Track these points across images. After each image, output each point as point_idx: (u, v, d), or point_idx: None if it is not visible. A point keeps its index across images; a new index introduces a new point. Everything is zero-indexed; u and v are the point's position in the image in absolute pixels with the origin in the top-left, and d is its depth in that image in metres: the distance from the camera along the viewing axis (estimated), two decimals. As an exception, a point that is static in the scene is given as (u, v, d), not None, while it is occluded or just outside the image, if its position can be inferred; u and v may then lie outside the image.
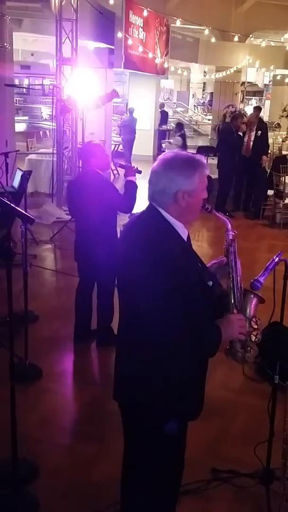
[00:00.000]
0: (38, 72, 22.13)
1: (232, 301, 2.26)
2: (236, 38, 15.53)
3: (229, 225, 2.33)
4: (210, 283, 2.29)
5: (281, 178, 9.32)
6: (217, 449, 3.63)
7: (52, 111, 10.91)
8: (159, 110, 18.21)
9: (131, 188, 4.60)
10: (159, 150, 17.01)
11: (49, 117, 17.83)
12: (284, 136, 15.87)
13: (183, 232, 2.17)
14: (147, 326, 2.06)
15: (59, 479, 3.30)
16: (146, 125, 16.94)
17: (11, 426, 2.97)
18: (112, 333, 4.71)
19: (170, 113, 22.15)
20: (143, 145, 16.54)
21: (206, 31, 14.32)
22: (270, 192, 9.90)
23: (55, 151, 9.67)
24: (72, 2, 8.94)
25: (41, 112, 22.49)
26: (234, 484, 3.26)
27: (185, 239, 2.19)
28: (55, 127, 9.71)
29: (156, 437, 2.27)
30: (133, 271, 2.06)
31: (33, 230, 7.66)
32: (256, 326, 2.25)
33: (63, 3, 8.78)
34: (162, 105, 19.24)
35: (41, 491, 3.15)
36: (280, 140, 15.03)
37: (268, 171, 10.39)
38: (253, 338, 2.25)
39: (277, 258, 2.57)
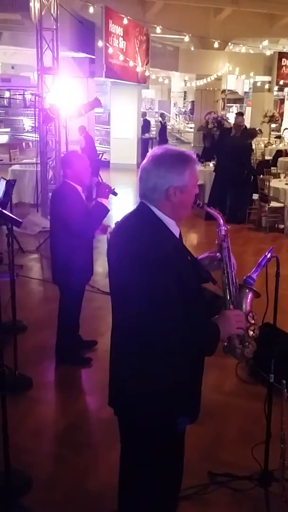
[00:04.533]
0: (19, 85, 22.12)
1: (228, 297, 2.23)
2: (216, 45, 15.63)
3: (221, 221, 2.30)
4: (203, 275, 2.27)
5: (265, 182, 9.36)
6: (213, 453, 3.58)
7: (35, 122, 10.89)
8: (142, 118, 18.25)
9: (98, 211, 4.16)
10: (143, 158, 17.00)
11: (32, 129, 17.80)
12: (266, 142, 16.00)
13: (175, 229, 2.14)
14: (143, 327, 2.01)
15: (53, 490, 3.23)
16: (129, 134, 16.98)
17: (3, 437, 2.90)
18: (73, 352, 4.65)
19: (152, 122, 22.22)
20: (127, 154, 16.56)
21: (186, 38, 14.42)
22: (255, 196, 9.93)
23: (38, 161, 9.62)
24: (52, 12, 8.93)
25: (23, 124, 22.44)
26: (232, 487, 3.20)
27: (177, 236, 2.16)
28: (38, 138, 9.67)
29: (154, 442, 2.22)
30: (126, 271, 2.02)
31: (18, 240, 7.59)
32: (253, 321, 2.22)
33: (43, 13, 8.77)
34: (144, 114, 19.29)
35: (35, 503, 3.07)
36: (263, 145, 15.13)
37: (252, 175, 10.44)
38: (251, 333, 2.22)
39: (269, 254, 2.54)
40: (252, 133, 10.46)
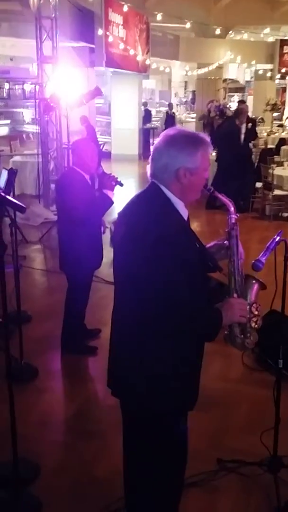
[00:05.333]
0: (18, 76, 21.96)
1: (233, 285, 2.20)
2: (218, 31, 15.45)
3: (232, 208, 2.27)
4: (211, 265, 2.23)
5: (269, 170, 9.30)
6: (221, 440, 3.56)
7: (35, 114, 10.84)
8: (143, 108, 18.14)
9: (102, 203, 4.13)
10: (146, 149, 16.94)
11: (32, 121, 17.69)
12: (268, 130, 15.89)
13: (183, 211, 2.12)
14: (146, 308, 1.99)
15: (61, 478, 3.21)
16: (130, 124, 16.88)
17: (11, 425, 2.88)
18: (79, 341, 4.64)
19: (154, 112, 22.08)
20: (128, 144, 16.48)
21: (188, 25, 14.25)
22: (258, 185, 9.86)
23: (40, 152, 9.57)
24: (51, 0, 8.84)
25: (23, 116, 22.32)
26: (241, 474, 3.18)
27: (186, 218, 2.13)
28: (39, 128, 9.61)
29: (157, 428, 2.20)
30: (131, 247, 2.00)
31: (21, 231, 7.56)
32: (256, 312, 2.19)
33: (41, 1, 8.69)
34: (145, 104, 19.17)
35: (43, 491, 3.06)
36: (265, 134, 15.01)
37: (256, 163, 10.37)
38: (253, 324, 2.19)
39: (278, 238, 2.51)
40: (238, 113, 10.25)
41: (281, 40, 19.44)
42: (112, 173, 4.30)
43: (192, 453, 2.48)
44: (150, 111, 18.52)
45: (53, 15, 8.92)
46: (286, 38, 19.75)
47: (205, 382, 2.34)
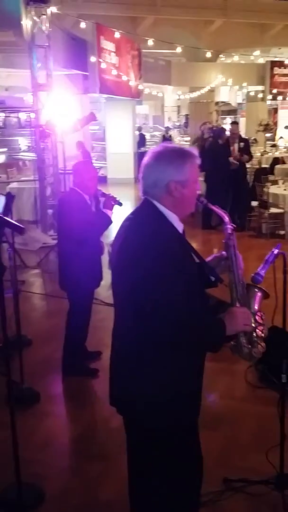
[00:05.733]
0: (13, 106, 22.19)
1: (234, 294, 2.20)
2: (208, 54, 15.68)
3: (226, 219, 2.28)
4: (213, 278, 2.24)
5: (264, 189, 9.36)
6: (227, 458, 3.51)
7: (31, 141, 10.94)
8: (137, 133, 18.33)
9: (101, 221, 4.21)
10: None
11: (28, 148, 17.86)
12: (262, 150, 16.03)
13: (178, 224, 2.13)
14: (147, 322, 1.98)
15: (66, 502, 3.17)
16: (125, 148, 17.04)
17: (13, 449, 2.85)
18: (80, 363, 4.62)
19: (148, 137, 22.30)
20: (123, 168, 16.61)
21: (179, 49, 14.48)
22: (254, 204, 9.92)
23: (36, 178, 9.64)
24: (44, 29, 9.00)
25: (19, 144, 22.51)
26: (248, 493, 3.14)
27: (181, 231, 2.14)
28: (35, 156, 9.70)
29: (161, 444, 2.17)
30: (129, 263, 2.01)
31: (20, 255, 7.59)
32: (261, 321, 2.18)
33: (35, 30, 8.84)
34: (139, 129, 19.38)
35: (48, 516, 3.02)
36: (259, 154, 15.15)
37: (251, 183, 10.45)
38: (259, 333, 2.18)
39: (276, 251, 2.52)
40: (219, 134, 10.37)
41: (272, 62, 19.73)
42: (111, 194, 4.37)
43: (198, 473, 2.44)
44: (144, 135, 18.71)
45: (47, 44, 9.07)
46: (276, 59, 20.06)
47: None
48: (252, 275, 2.36)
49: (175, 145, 2.22)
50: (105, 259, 4.78)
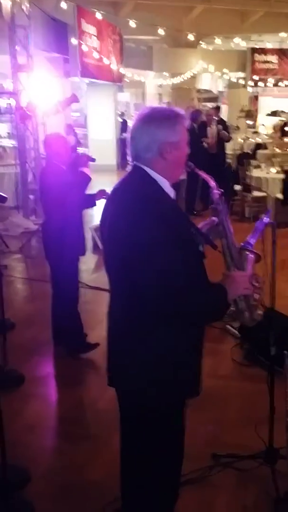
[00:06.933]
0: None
1: (230, 259, 2.15)
2: (190, 37, 15.50)
3: (212, 183, 2.21)
4: (201, 248, 2.17)
5: (247, 172, 9.34)
6: (215, 436, 3.49)
7: (11, 127, 10.71)
8: (120, 119, 18.17)
9: (80, 180, 4.30)
10: (123, 158, 16.95)
11: (7, 135, 17.61)
12: (244, 137, 15.99)
13: (169, 190, 2.06)
14: (145, 292, 1.90)
15: (52, 482, 3.11)
16: (107, 135, 16.89)
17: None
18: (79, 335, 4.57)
19: (130, 123, 22.20)
20: (106, 154, 16.44)
21: (161, 31, 14.28)
22: (237, 187, 9.90)
23: (18, 162, 9.49)
24: (25, 9, 8.82)
25: (-1, 131, 22.18)
26: (237, 468, 3.11)
27: (173, 197, 2.07)
28: (16, 138, 9.53)
29: (157, 421, 2.12)
30: (124, 232, 1.92)
31: (3, 239, 7.52)
32: (257, 284, 2.13)
33: (15, 10, 8.65)
34: (122, 114, 19.22)
35: (35, 496, 2.96)
36: (242, 141, 15.10)
37: (233, 167, 10.41)
38: (257, 296, 2.14)
39: (266, 218, 2.47)
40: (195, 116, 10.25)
41: (252, 49, 19.70)
42: (83, 152, 4.49)
43: (186, 450, 2.39)
44: (126, 121, 18.54)
45: (27, 24, 8.89)
46: (257, 46, 20.02)
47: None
48: (242, 244, 2.30)
49: (162, 105, 2.14)
50: (89, 244, 4.74)
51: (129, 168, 2.14)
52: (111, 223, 2.01)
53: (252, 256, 2.19)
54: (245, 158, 10.33)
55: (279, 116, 18.68)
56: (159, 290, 1.88)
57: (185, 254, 1.94)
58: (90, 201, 4.41)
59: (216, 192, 2.19)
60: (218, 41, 16.60)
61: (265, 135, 16.85)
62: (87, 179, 4.33)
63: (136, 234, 1.88)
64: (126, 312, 2.04)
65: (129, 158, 2.11)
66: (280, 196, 9.01)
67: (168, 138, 1.98)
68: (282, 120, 17.08)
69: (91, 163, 4.55)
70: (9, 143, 13.52)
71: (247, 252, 2.19)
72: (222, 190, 2.22)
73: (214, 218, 2.21)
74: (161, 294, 1.88)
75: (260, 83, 19.93)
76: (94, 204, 4.45)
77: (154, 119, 1.99)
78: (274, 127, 16.18)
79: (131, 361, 2.06)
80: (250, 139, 15.50)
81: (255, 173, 9.56)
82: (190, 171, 2.21)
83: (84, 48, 11.87)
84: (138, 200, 1.94)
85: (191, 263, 1.98)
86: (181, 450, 2.34)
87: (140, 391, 2.08)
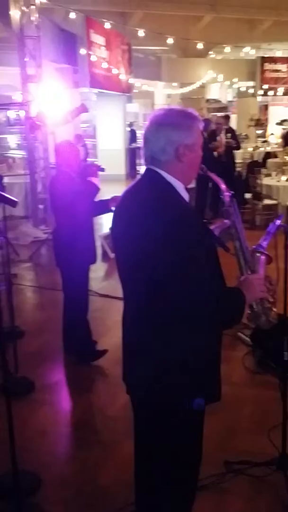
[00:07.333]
0: (1, 103, 22.04)
1: (244, 262, 2.12)
2: (200, 46, 15.54)
3: (223, 186, 2.19)
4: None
5: (257, 180, 9.32)
6: (228, 443, 3.45)
7: (21, 138, 10.79)
8: (129, 129, 18.24)
9: (88, 189, 4.26)
10: (132, 168, 17.03)
11: (17, 146, 17.74)
12: (254, 146, 15.99)
13: (184, 194, 2.01)
14: (165, 295, 1.85)
15: (64, 488, 3.09)
16: (116, 145, 16.96)
17: (9, 434, 2.75)
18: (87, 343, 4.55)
19: (139, 134, 22.27)
20: (115, 164, 16.50)
21: (170, 40, 14.34)
22: (248, 196, 9.87)
23: (27, 172, 9.55)
24: (34, 20, 8.90)
25: (8, 142, 22.38)
26: (250, 475, 3.07)
27: (187, 201, 2.04)
28: (26, 149, 9.60)
29: (178, 426, 2.07)
30: (143, 240, 1.85)
31: (13, 247, 7.55)
32: (270, 286, 2.10)
33: (24, 22, 8.73)
34: (130, 124, 19.30)
35: (45, 501, 2.95)
36: (251, 149, 15.11)
37: (244, 175, 10.40)
38: (270, 298, 2.11)
39: (278, 221, 2.45)
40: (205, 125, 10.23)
41: (262, 57, 19.74)
42: (93, 162, 4.45)
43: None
44: (135, 131, 18.60)
45: (36, 35, 8.96)
46: (266, 55, 20.06)
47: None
48: (254, 246, 2.28)
49: (176, 106, 2.11)
50: (99, 252, 4.73)
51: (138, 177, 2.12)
52: (128, 229, 1.95)
53: (264, 258, 2.16)
54: (255, 166, 10.30)
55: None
56: (182, 296, 1.83)
57: (207, 258, 1.90)
58: (103, 207, 4.31)
59: (227, 194, 2.17)
60: (227, 50, 16.59)
61: (275, 144, 16.86)
62: (95, 189, 4.28)
63: (158, 242, 1.82)
64: (144, 318, 1.98)
65: (141, 160, 2.08)
66: (291, 203, 8.98)
67: (185, 140, 1.94)
68: (285, 129, 17.08)
69: (100, 173, 4.52)
70: (18, 153, 13.65)
71: (258, 254, 2.17)
72: (233, 192, 2.20)
73: (226, 220, 2.19)
74: (183, 300, 1.83)
75: (270, 92, 19.93)
76: (109, 210, 4.28)
77: (171, 120, 1.95)
78: (282, 136, 16.20)
79: (151, 366, 2.00)
80: (260, 148, 15.52)
81: (266, 181, 9.53)
82: (201, 176, 2.19)
83: (93, 58, 11.96)
84: (158, 205, 1.88)
85: (213, 268, 1.94)
86: (199, 456, 2.30)
87: (161, 396, 2.02)
